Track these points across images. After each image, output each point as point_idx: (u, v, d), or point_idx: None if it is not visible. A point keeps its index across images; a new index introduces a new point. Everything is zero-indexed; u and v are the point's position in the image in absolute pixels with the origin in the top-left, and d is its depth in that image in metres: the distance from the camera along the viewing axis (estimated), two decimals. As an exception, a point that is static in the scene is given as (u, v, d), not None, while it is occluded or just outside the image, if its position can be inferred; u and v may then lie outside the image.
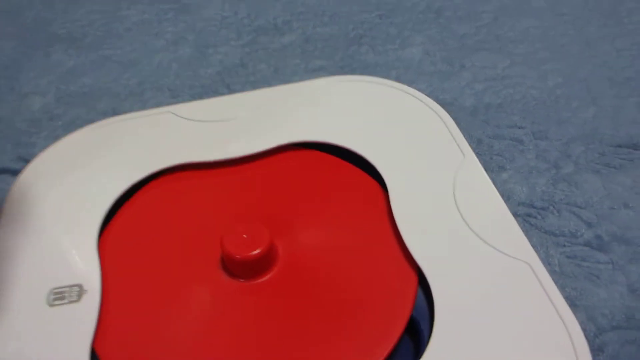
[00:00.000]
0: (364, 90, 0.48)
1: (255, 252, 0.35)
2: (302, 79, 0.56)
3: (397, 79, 0.56)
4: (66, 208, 0.40)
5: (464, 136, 0.41)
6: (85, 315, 0.34)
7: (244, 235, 0.35)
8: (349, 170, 0.42)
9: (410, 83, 0.55)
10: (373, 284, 0.35)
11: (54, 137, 0.53)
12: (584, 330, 0.31)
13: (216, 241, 0.36)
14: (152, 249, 0.39)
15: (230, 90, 0.56)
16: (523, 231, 0.35)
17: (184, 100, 0.55)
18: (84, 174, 0.43)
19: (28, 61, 0.63)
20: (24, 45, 0.65)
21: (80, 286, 0.35)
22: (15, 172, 0.49)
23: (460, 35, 0.62)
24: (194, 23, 0.66)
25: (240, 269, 0.35)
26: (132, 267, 0.38)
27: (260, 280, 0.36)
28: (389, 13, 0.65)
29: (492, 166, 0.47)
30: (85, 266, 0.36)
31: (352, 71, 0.57)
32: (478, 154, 0.44)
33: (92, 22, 0.68)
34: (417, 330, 0.33)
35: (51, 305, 0.34)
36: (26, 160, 0.50)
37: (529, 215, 0.43)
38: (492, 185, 0.38)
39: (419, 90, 0.46)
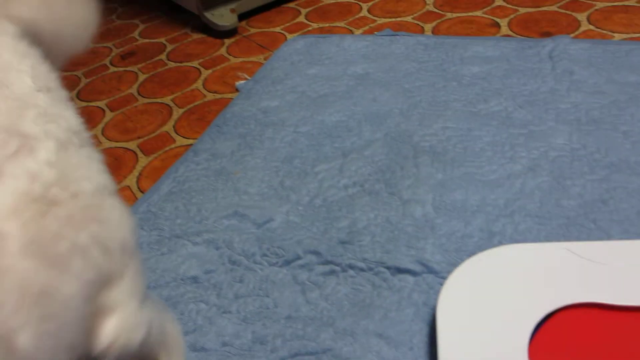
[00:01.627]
0: None
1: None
2: (671, 226, 0.60)
3: None
4: (495, 321, 0.49)
5: None
6: None
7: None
8: None
9: None
10: None
11: (439, 245, 0.63)
12: None
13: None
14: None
15: (596, 226, 0.61)
16: None
17: (552, 228, 0.62)
18: (502, 293, 0.51)
19: (400, 169, 0.75)
20: (393, 153, 0.78)
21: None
22: (414, 274, 0.60)
23: None
24: (546, 151, 0.73)
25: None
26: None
27: None
28: None
29: None
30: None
31: None
32: None
33: (448, 138, 0.79)
34: None
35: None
36: (421, 264, 0.61)
37: None
38: None
39: None
